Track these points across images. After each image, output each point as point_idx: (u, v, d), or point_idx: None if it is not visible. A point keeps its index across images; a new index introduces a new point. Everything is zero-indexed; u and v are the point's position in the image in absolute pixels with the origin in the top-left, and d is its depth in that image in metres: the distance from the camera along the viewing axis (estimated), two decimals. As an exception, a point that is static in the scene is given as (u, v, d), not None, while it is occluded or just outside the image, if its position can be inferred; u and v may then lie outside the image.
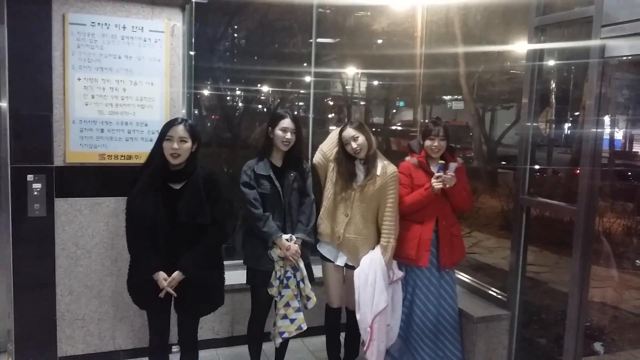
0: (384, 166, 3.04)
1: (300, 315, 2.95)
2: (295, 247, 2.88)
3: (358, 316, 3.00)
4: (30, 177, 3.07)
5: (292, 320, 2.94)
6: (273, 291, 2.91)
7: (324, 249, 3.14)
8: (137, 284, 2.70)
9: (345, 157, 3.02)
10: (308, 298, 2.99)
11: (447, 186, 2.99)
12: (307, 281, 2.97)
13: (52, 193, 3.13)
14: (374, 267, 2.98)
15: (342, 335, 3.35)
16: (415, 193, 3.08)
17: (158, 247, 2.58)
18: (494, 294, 3.57)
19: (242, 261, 3.03)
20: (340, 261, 3.11)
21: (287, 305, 2.92)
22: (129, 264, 2.75)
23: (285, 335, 2.95)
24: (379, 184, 3.01)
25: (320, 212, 3.10)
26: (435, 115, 3.98)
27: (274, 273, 2.90)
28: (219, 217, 2.68)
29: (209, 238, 2.66)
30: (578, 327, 2.90)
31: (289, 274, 2.91)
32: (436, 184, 2.97)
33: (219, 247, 2.79)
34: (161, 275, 2.58)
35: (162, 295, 2.62)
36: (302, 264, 2.95)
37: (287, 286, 2.91)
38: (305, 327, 2.98)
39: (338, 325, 3.27)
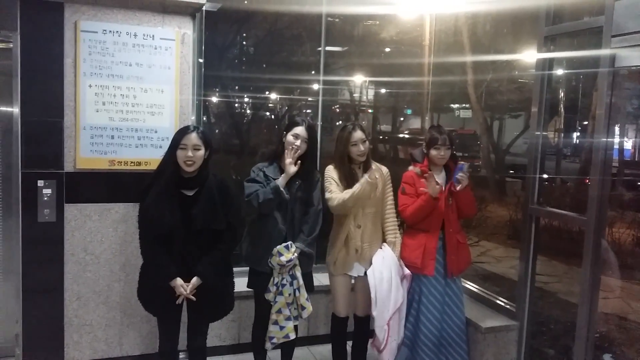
0: (378, 168, 3.12)
1: (290, 324, 2.94)
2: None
3: (375, 313, 2.98)
4: (40, 183, 3.09)
5: (281, 327, 2.93)
6: (269, 296, 2.92)
7: (350, 270, 3.10)
8: (150, 291, 2.70)
9: (345, 162, 3.03)
10: (303, 307, 2.98)
11: (459, 188, 2.99)
12: (303, 290, 2.96)
13: (62, 198, 3.15)
14: (387, 264, 3.00)
15: (347, 343, 3.33)
16: (418, 200, 3.08)
17: (173, 254, 2.60)
18: (503, 304, 3.55)
19: (248, 268, 3.03)
20: (360, 272, 3.10)
21: (279, 312, 2.92)
22: (139, 271, 2.76)
23: (274, 340, 2.95)
24: (380, 186, 3.08)
25: (335, 244, 3.08)
26: (440, 124, 3.98)
27: (271, 279, 2.91)
28: (233, 222, 2.72)
29: (224, 243, 2.69)
30: (587, 338, 2.87)
31: (284, 282, 2.90)
32: (458, 187, 2.99)
33: (232, 252, 2.81)
34: (179, 281, 2.60)
35: (179, 301, 2.64)
36: (299, 273, 2.94)
37: (281, 293, 2.90)
38: (293, 337, 2.96)
39: (345, 334, 3.26)
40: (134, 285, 2.80)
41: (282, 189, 2.84)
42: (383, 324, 2.99)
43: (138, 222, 2.66)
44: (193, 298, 2.63)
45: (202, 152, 2.62)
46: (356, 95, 5.34)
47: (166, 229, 2.55)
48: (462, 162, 3.02)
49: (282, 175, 2.88)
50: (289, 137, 2.91)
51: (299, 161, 2.90)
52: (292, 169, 2.86)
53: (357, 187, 2.90)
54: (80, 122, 3.15)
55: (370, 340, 3.21)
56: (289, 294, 2.91)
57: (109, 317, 3.33)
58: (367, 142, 3.02)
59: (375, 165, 3.13)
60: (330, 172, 3.08)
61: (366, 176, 2.91)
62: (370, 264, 3.03)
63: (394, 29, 4.76)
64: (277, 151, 3.02)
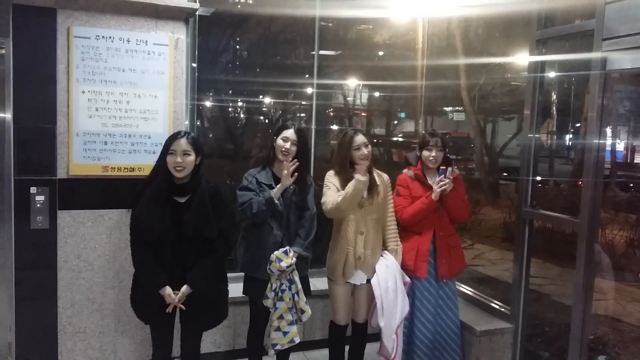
0: (378, 174, 3.11)
1: (294, 329, 2.93)
2: None
3: (382, 323, 2.97)
4: (33, 190, 3.07)
5: (284, 333, 2.92)
6: (268, 303, 2.90)
7: (352, 278, 3.06)
8: (141, 298, 2.69)
9: (346, 167, 3.00)
10: (302, 311, 2.97)
11: (445, 191, 3.00)
12: (301, 294, 2.96)
13: (55, 205, 3.13)
14: (392, 272, 2.99)
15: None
16: (417, 202, 3.08)
17: (164, 262, 2.58)
18: (497, 307, 3.56)
19: (243, 273, 3.02)
20: (362, 280, 3.07)
21: (281, 317, 2.90)
22: (132, 278, 2.75)
23: (278, 347, 2.93)
24: (382, 193, 3.05)
25: (335, 250, 3.05)
26: (434, 127, 4.01)
27: (269, 285, 2.89)
28: (225, 229, 2.68)
29: (216, 251, 2.66)
30: (582, 340, 2.88)
31: (283, 287, 2.89)
32: (438, 188, 2.98)
33: (225, 260, 2.78)
34: (167, 290, 2.58)
35: (169, 310, 2.61)
36: (297, 277, 2.93)
37: (281, 299, 2.89)
38: (297, 341, 2.96)
39: (344, 341, 3.24)
40: (127, 292, 2.79)
41: (276, 201, 2.83)
42: (391, 334, 2.97)
43: (129, 229, 2.64)
44: (182, 307, 2.61)
45: (192, 157, 2.59)
46: (350, 98, 5.35)
47: (156, 236, 2.53)
48: (443, 167, 3.03)
49: (278, 186, 2.86)
50: (279, 141, 2.92)
51: (296, 173, 2.87)
52: (289, 181, 2.84)
53: (349, 188, 2.85)
54: (73, 128, 3.13)
55: (377, 350, 3.19)
56: (289, 299, 2.90)
57: (103, 324, 3.31)
58: (369, 145, 2.98)
59: (376, 172, 3.11)
60: (331, 177, 3.05)
61: (357, 176, 2.85)
62: (373, 271, 3.01)
63: (387, 33, 4.78)
64: (269, 156, 3.02)
